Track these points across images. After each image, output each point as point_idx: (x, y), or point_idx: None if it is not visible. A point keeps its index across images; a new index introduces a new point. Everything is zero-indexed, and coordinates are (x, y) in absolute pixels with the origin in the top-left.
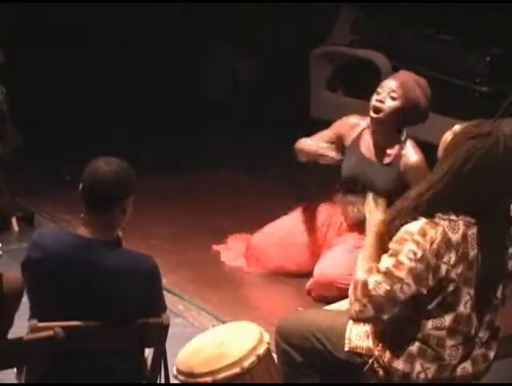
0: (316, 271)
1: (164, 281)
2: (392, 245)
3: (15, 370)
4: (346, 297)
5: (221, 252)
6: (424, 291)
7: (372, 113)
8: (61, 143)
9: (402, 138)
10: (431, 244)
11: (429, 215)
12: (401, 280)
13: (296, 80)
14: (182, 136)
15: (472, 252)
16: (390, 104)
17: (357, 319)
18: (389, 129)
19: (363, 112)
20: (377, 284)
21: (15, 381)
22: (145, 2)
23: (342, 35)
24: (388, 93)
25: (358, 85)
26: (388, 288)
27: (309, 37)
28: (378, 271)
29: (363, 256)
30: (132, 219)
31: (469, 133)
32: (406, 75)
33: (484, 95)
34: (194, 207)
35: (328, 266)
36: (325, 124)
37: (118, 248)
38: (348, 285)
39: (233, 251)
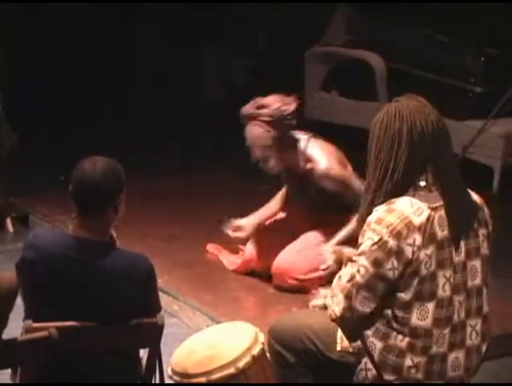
0: (275, 262)
1: (159, 282)
2: (359, 240)
3: (10, 370)
4: (305, 287)
5: (219, 255)
6: (390, 275)
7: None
8: (55, 143)
9: (302, 147)
10: (388, 227)
11: (390, 199)
12: (359, 264)
13: (294, 81)
14: (180, 136)
15: (441, 233)
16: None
17: (339, 316)
18: (285, 156)
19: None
20: (344, 274)
21: (10, 382)
22: (144, 2)
23: (337, 35)
24: (256, 152)
25: (353, 85)
26: (350, 274)
27: (306, 37)
28: (345, 263)
29: None
30: (128, 219)
31: (377, 121)
32: (249, 134)
33: (478, 95)
34: (190, 208)
35: (286, 258)
36: (320, 124)
37: (113, 248)
38: (305, 277)
39: (229, 253)
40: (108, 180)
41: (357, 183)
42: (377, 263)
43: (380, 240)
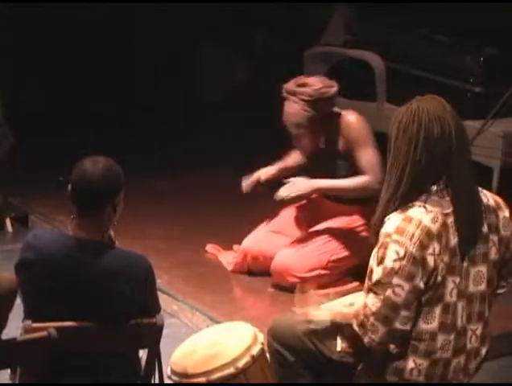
0: (274, 260)
1: (159, 282)
2: (377, 253)
3: (9, 371)
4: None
5: (218, 256)
6: (422, 285)
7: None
8: (55, 143)
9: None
10: (411, 238)
11: (405, 205)
12: (391, 284)
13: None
14: (178, 137)
15: (453, 240)
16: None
17: (378, 344)
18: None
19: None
20: (374, 299)
21: (9, 382)
22: (142, 2)
23: (336, 35)
24: (289, 128)
25: (352, 85)
26: (382, 297)
27: (305, 37)
28: (370, 289)
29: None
30: (127, 219)
31: (396, 120)
32: (286, 110)
33: (477, 95)
34: (190, 208)
35: (285, 256)
36: None
37: (112, 248)
38: (304, 275)
39: (228, 254)
40: (107, 180)
41: (373, 148)
42: (410, 277)
43: (406, 253)
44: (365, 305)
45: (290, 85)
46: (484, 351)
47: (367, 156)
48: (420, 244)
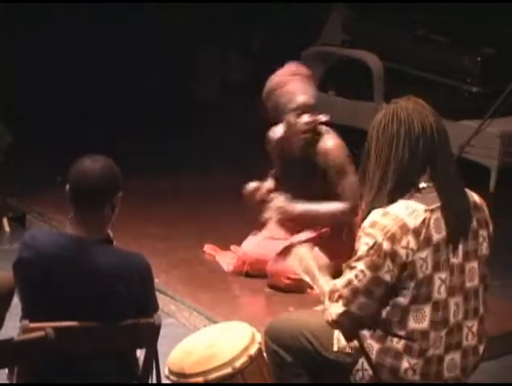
0: (270, 262)
1: (156, 281)
2: (355, 245)
3: (6, 371)
4: (299, 287)
5: (216, 256)
6: (388, 278)
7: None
8: (52, 143)
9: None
10: (383, 230)
11: (391, 202)
12: (357, 269)
13: None
14: (176, 137)
15: (437, 236)
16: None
17: (334, 322)
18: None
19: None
20: (342, 278)
21: (7, 382)
22: (141, 2)
23: (333, 35)
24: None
25: (350, 85)
26: (347, 278)
27: (301, 37)
28: (343, 269)
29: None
30: (125, 218)
31: (375, 123)
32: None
33: (475, 95)
34: (188, 208)
35: (281, 258)
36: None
37: (110, 248)
38: (298, 278)
39: (226, 255)
40: (106, 178)
41: (353, 176)
42: (373, 267)
43: (375, 243)
44: (335, 285)
45: (286, 71)
46: (481, 348)
47: (347, 183)
48: (391, 236)
